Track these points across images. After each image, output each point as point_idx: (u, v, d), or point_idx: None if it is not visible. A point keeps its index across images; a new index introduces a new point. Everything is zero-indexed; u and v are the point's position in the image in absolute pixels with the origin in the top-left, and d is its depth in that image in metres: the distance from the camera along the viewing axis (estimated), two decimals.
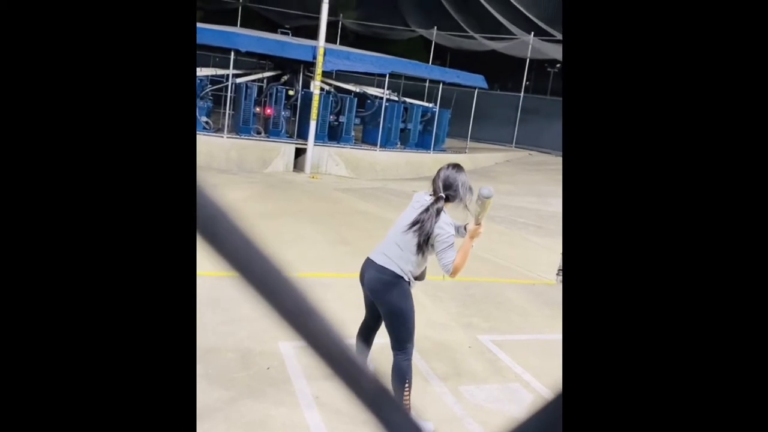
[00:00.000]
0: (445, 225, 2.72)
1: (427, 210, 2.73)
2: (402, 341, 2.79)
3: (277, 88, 11.85)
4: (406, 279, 2.77)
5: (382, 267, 2.77)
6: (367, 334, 3.15)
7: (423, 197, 2.86)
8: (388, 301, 2.77)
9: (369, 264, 2.84)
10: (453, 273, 2.74)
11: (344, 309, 4.19)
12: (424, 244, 2.72)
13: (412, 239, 2.73)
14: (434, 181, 2.84)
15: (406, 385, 2.77)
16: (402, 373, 2.77)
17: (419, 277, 2.86)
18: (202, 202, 0.33)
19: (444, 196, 2.77)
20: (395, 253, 2.77)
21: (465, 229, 2.90)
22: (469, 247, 2.76)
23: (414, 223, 2.73)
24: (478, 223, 2.71)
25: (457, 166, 2.88)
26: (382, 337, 3.18)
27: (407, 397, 2.78)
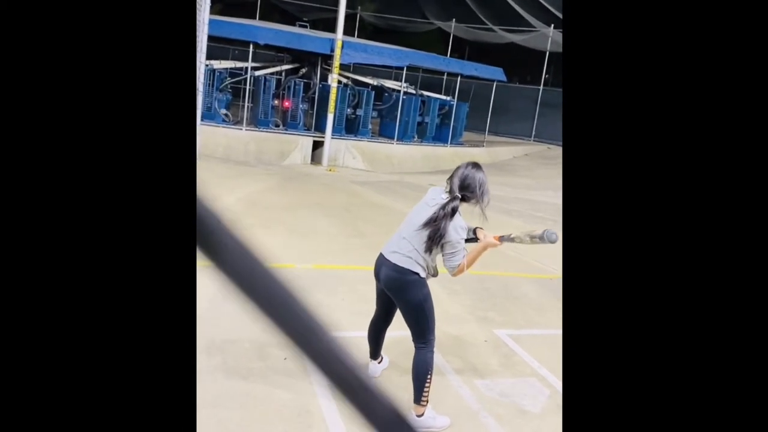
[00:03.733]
0: (459, 229, 2.68)
1: (442, 209, 2.68)
2: (424, 334, 2.79)
3: (295, 81, 11.88)
4: (423, 275, 2.76)
5: (398, 266, 2.73)
6: (377, 330, 3.16)
7: (438, 194, 2.80)
8: (407, 299, 2.77)
9: (384, 262, 2.81)
10: (455, 274, 2.75)
11: (358, 302, 4.20)
12: (435, 244, 2.68)
13: (423, 238, 2.70)
14: (451, 179, 2.77)
15: (428, 377, 2.77)
16: (425, 365, 2.77)
17: (434, 273, 2.84)
18: (203, 217, 0.33)
19: (460, 196, 2.72)
20: (408, 250, 2.73)
21: (474, 232, 2.88)
22: (480, 254, 2.77)
23: (427, 223, 2.69)
24: (501, 241, 2.75)
25: (475, 165, 2.81)
26: (397, 330, 3.19)
27: (427, 390, 2.78)
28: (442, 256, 2.74)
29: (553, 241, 2.61)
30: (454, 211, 2.68)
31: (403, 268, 2.72)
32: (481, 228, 2.90)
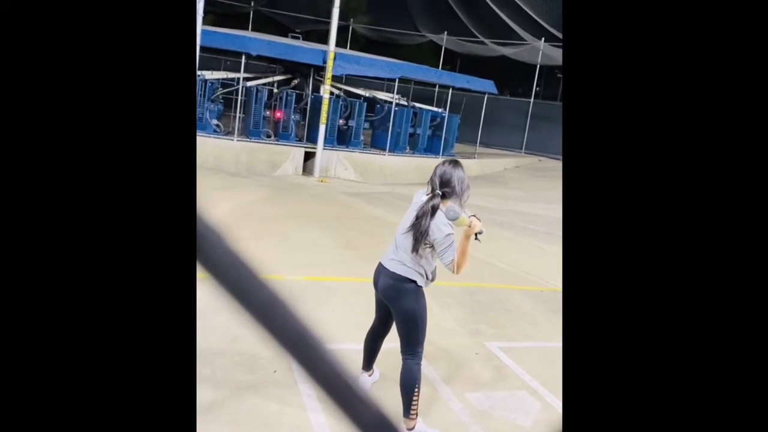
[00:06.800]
0: (441, 225, 2.67)
1: (422, 208, 2.70)
2: (413, 345, 2.78)
3: (287, 92, 11.90)
4: (419, 283, 2.76)
5: (395, 273, 2.75)
6: (375, 338, 3.15)
7: (421, 196, 2.83)
8: (401, 307, 2.76)
9: (381, 270, 2.83)
10: (456, 271, 2.74)
11: (349, 314, 4.18)
12: (419, 243, 2.68)
13: (410, 239, 2.72)
14: (431, 179, 2.80)
15: (416, 390, 2.76)
16: (412, 378, 2.76)
17: (430, 278, 2.84)
18: (199, 228, 0.33)
19: (441, 193, 2.73)
20: (402, 257, 2.75)
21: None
22: (467, 245, 2.75)
23: (412, 224, 2.71)
24: (468, 225, 2.71)
25: (453, 162, 2.82)
26: (388, 342, 3.17)
27: (416, 403, 2.77)
28: (438, 256, 2.75)
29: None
30: (434, 208, 2.68)
31: (398, 275, 2.73)
32: (474, 215, 2.88)
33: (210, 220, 0.33)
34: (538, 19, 17.14)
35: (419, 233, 2.67)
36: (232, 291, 0.34)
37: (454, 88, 14.45)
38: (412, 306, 2.75)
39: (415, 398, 2.76)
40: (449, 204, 2.66)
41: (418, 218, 2.68)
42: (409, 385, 2.75)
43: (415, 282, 2.74)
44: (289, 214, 7.75)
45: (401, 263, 2.75)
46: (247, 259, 0.34)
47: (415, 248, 2.70)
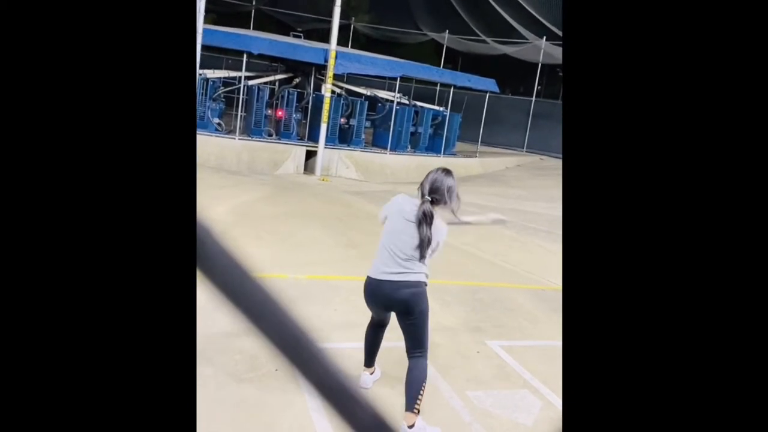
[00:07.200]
0: (441, 228, 2.78)
1: (421, 217, 2.74)
2: (423, 343, 2.84)
3: (288, 91, 11.90)
4: (426, 283, 2.83)
5: (407, 281, 2.77)
6: (376, 331, 3.16)
7: (408, 203, 2.83)
8: (419, 310, 2.80)
9: (384, 285, 2.81)
10: None
11: (351, 312, 4.18)
12: (425, 250, 2.75)
13: (417, 252, 2.75)
14: (422, 184, 2.83)
15: (424, 385, 2.79)
16: (423, 374, 2.81)
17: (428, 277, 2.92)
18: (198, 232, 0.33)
19: (430, 199, 2.76)
20: (407, 265, 2.78)
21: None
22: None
23: (421, 240, 2.74)
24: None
25: (445, 171, 2.88)
26: (386, 341, 3.17)
27: (421, 398, 2.78)
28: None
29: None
30: (431, 215, 2.74)
31: (412, 281, 2.78)
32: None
33: (202, 219, 0.33)
34: (540, 18, 17.12)
35: (424, 243, 2.74)
36: (226, 292, 0.34)
37: (455, 86, 14.44)
38: (426, 306, 2.82)
39: (421, 393, 2.78)
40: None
41: (419, 227, 2.74)
42: (419, 381, 2.79)
43: (425, 284, 2.82)
44: (291, 212, 7.76)
45: (409, 271, 2.78)
46: (240, 260, 0.34)
47: (423, 255, 2.76)
